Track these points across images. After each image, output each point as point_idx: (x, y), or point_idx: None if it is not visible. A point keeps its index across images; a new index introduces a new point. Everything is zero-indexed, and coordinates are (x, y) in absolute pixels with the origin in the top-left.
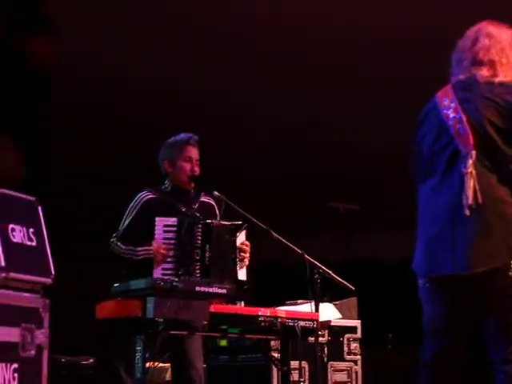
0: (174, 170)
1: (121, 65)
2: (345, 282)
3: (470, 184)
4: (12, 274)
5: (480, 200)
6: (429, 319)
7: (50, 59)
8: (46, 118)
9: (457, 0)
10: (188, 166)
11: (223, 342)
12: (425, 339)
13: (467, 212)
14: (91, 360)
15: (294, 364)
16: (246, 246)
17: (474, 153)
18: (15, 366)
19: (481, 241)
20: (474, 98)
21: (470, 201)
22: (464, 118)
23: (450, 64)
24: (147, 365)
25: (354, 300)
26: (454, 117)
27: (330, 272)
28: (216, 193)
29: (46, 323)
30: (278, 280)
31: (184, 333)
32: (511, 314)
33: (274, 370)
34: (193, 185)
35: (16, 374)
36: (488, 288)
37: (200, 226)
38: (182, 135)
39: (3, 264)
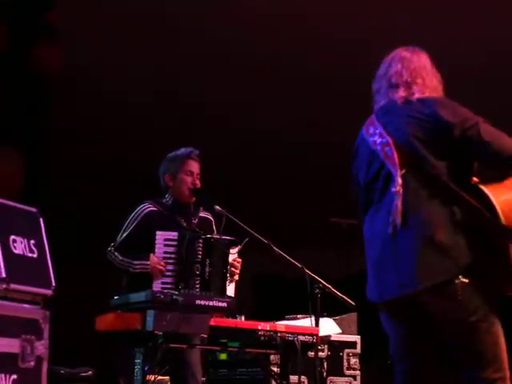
0: (174, 184)
1: (122, 70)
2: (345, 298)
3: (398, 203)
4: (13, 286)
5: (410, 217)
6: (392, 344)
7: (52, 67)
8: (45, 126)
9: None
10: (189, 180)
11: (223, 356)
12: (393, 362)
13: (390, 230)
14: (90, 372)
15: (294, 379)
16: (238, 262)
17: (401, 172)
18: (14, 376)
19: (418, 259)
20: (397, 119)
21: (395, 219)
22: (390, 140)
23: (371, 94)
24: (147, 377)
25: (354, 315)
26: (382, 141)
27: (331, 287)
28: (217, 207)
29: (45, 335)
30: (278, 294)
31: (184, 346)
32: (463, 334)
33: None
34: (194, 198)
35: None
36: (434, 307)
37: (201, 241)
38: (183, 149)
39: (4, 275)
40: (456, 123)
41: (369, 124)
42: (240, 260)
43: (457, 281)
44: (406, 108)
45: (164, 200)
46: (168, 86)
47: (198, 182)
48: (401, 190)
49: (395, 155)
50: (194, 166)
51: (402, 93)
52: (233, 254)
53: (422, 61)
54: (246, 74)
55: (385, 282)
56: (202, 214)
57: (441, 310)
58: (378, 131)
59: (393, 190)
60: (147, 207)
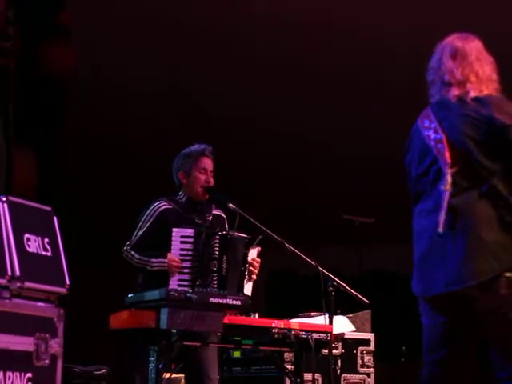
0: (188, 181)
1: (136, 72)
2: (359, 295)
3: (447, 202)
4: (27, 284)
5: (458, 217)
6: (426, 335)
7: (65, 68)
8: (59, 126)
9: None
10: (203, 177)
11: (237, 354)
12: (424, 353)
13: (440, 229)
14: (104, 370)
15: (308, 376)
16: (257, 262)
17: (451, 170)
18: (29, 375)
19: (467, 257)
20: (452, 116)
21: (445, 218)
22: (444, 138)
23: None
24: (161, 375)
25: (367, 313)
26: (435, 137)
27: (345, 284)
28: (231, 205)
29: (60, 333)
30: (292, 292)
31: (197, 344)
32: (503, 330)
33: (288, 382)
34: (207, 196)
35: (30, 383)
36: (480, 303)
37: (217, 237)
38: (197, 146)
39: (18, 273)
40: (510, 125)
41: (424, 116)
42: (259, 260)
43: (503, 277)
44: (460, 107)
45: (178, 197)
46: (183, 86)
47: (211, 179)
48: (450, 189)
49: (447, 153)
50: (208, 164)
51: (455, 92)
52: (252, 254)
53: (474, 52)
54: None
55: (431, 278)
56: (215, 212)
57: (485, 305)
58: (433, 126)
59: (442, 187)
60: (162, 205)
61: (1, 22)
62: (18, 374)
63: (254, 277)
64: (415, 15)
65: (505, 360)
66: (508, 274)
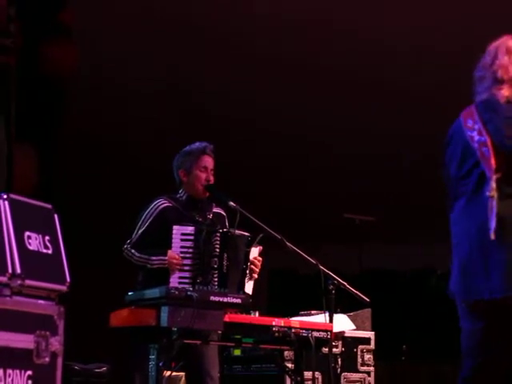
0: (189, 179)
1: (136, 72)
2: (359, 294)
3: (493, 208)
4: (27, 282)
5: (504, 224)
6: (465, 338)
7: (66, 66)
8: (60, 124)
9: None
10: (203, 176)
11: (237, 352)
12: (462, 356)
13: (492, 236)
14: (104, 368)
15: (308, 375)
16: (258, 261)
17: (496, 176)
18: (29, 372)
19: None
20: (497, 119)
21: (493, 225)
22: (488, 141)
23: (473, 81)
24: (161, 373)
25: (368, 311)
26: (479, 139)
27: (345, 283)
28: (231, 203)
29: (60, 330)
30: (292, 290)
31: (198, 342)
32: None
33: (288, 380)
34: (207, 194)
35: (30, 381)
36: None
37: (218, 234)
38: (198, 144)
39: (19, 271)
40: None
41: (468, 115)
42: (260, 259)
43: None
44: (507, 109)
45: (178, 195)
46: (184, 86)
47: (212, 177)
48: (496, 195)
49: (492, 158)
50: (209, 162)
51: (505, 92)
52: (254, 252)
53: None
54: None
55: (472, 283)
56: (215, 210)
57: None
58: (477, 127)
59: (487, 194)
60: (162, 203)
61: (2, 20)
62: (18, 371)
63: (255, 276)
64: (415, 15)
65: None
66: None
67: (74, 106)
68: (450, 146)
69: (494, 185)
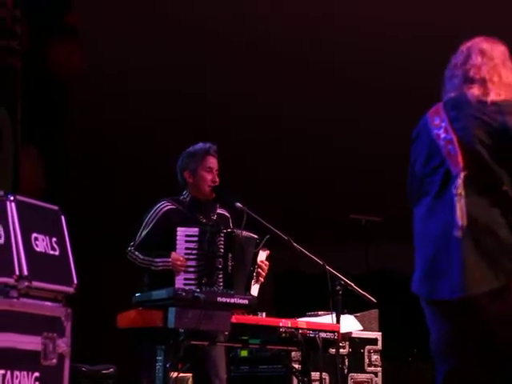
0: (194, 181)
1: (144, 75)
2: (366, 294)
3: (460, 206)
4: (35, 283)
5: (471, 222)
6: (434, 340)
7: (73, 69)
8: (67, 125)
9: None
10: (209, 176)
11: (244, 353)
12: (435, 360)
13: (459, 234)
14: (112, 369)
15: (315, 375)
16: (266, 265)
17: (463, 174)
18: (37, 374)
19: (475, 263)
20: (465, 117)
21: (460, 222)
22: (455, 139)
23: (442, 80)
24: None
25: (375, 312)
26: (445, 137)
27: (352, 283)
28: (239, 204)
29: (67, 332)
30: (299, 291)
31: (205, 343)
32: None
33: (295, 381)
34: (214, 195)
35: (37, 383)
36: (487, 312)
37: (222, 235)
38: (201, 145)
39: (26, 273)
40: None
41: (434, 113)
42: (267, 263)
43: (511, 285)
44: (477, 108)
45: (181, 197)
46: (192, 86)
47: (217, 178)
48: (462, 193)
49: (459, 156)
50: (213, 163)
51: (476, 90)
52: (261, 256)
53: (501, 56)
54: (271, 74)
55: (436, 282)
56: (219, 211)
57: (493, 313)
58: (443, 125)
59: (454, 191)
60: (165, 205)
61: (8, 21)
62: (25, 373)
63: (262, 279)
64: (417, 15)
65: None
66: None
67: (81, 106)
68: (416, 143)
69: (460, 182)
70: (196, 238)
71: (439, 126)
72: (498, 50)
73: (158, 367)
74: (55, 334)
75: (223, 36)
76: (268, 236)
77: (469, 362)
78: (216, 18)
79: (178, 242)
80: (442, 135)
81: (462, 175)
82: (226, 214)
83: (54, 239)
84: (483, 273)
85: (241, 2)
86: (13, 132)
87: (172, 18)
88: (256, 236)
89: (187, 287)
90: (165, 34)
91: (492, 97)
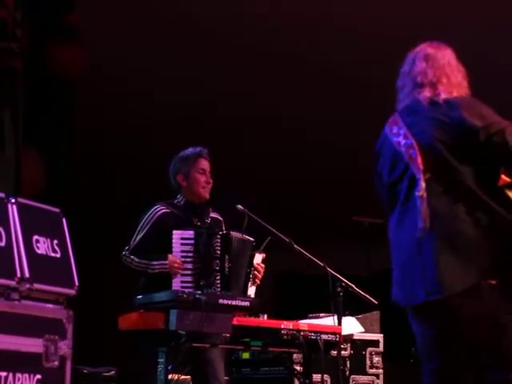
0: (188, 183)
1: (145, 71)
2: (368, 296)
3: (424, 207)
4: (36, 285)
5: (437, 222)
6: (419, 343)
7: (76, 70)
8: (69, 127)
9: None
10: (203, 178)
11: (246, 355)
12: (421, 362)
13: (421, 235)
14: (113, 371)
15: (317, 377)
16: (262, 267)
17: (424, 176)
18: (38, 376)
19: (446, 264)
20: (421, 121)
21: (422, 224)
22: (414, 143)
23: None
24: (169, 377)
25: (376, 314)
26: (406, 143)
27: (353, 285)
28: (239, 206)
29: (69, 334)
30: (300, 293)
31: (206, 345)
32: (492, 336)
33: (297, 383)
34: (208, 197)
35: None
36: (463, 311)
37: (218, 236)
38: (192, 149)
39: (27, 275)
40: (481, 128)
41: (392, 123)
42: (263, 266)
43: (485, 284)
44: (431, 110)
45: (176, 201)
46: (190, 86)
47: (210, 179)
48: (424, 195)
49: (419, 159)
50: (206, 165)
51: (427, 93)
52: (257, 259)
53: (446, 57)
54: (270, 74)
55: (411, 287)
56: (212, 215)
57: (469, 312)
58: (402, 132)
59: (416, 194)
60: (160, 209)
61: (9, 23)
62: (27, 375)
63: (258, 281)
64: (416, 15)
65: (499, 364)
66: (490, 281)
67: (83, 107)
68: (380, 156)
69: (423, 184)
70: (192, 241)
71: (398, 133)
72: (441, 53)
73: (159, 369)
74: (57, 337)
75: (222, 36)
76: (269, 238)
77: (451, 361)
78: (214, 18)
79: (173, 245)
80: (403, 142)
81: (423, 177)
82: (219, 218)
83: (55, 241)
84: (455, 273)
85: (239, 2)
86: (14, 134)
87: (170, 18)
88: (252, 239)
89: (184, 290)
90: (163, 34)
91: (443, 96)
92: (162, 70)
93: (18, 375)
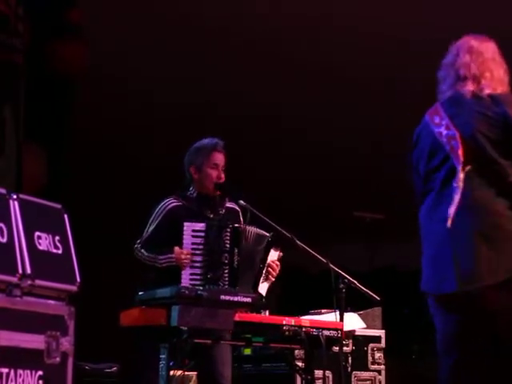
0: (199, 176)
1: (143, 75)
2: (370, 292)
3: (458, 199)
4: (38, 282)
5: (476, 215)
6: (440, 336)
7: (77, 67)
8: (69, 123)
9: None
10: (214, 173)
11: (247, 351)
12: (439, 356)
13: (449, 225)
14: (115, 368)
15: (318, 373)
16: (276, 265)
17: (465, 168)
18: (40, 373)
19: (482, 256)
20: (465, 113)
21: (452, 216)
22: (457, 134)
23: (436, 82)
24: (171, 373)
25: (378, 310)
26: (447, 133)
27: (355, 281)
28: (242, 201)
29: (71, 330)
30: (302, 289)
31: (208, 341)
32: None
33: (298, 379)
34: (218, 192)
35: (41, 381)
36: (494, 303)
37: (228, 229)
38: (208, 140)
39: (29, 271)
40: None
41: (433, 113)
42: (279, 264)
43: None
44: (475, 103)
45: (188, 193)
46: (193, 86)
47: (222, 175)
48: (462, 186)
49: (461, 150)
50: (219, 158)
51: (470, 87)
52: (273, 256)
53: (490, 52)
54: (270, 74)
55: (442, 276)
56: (228, 205)
57: (501, 306)
58: (444, 122)
59: (454, 185)
60: (171, 202)
61: (11, 19)
62: (28, 371)
63: (272, 279)
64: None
65: None
66: None
67: (84, 104)
68: (417, 145)
69: (461, 176)
70: (203, 234)
71: (440, 124)
72: (485, 46)
73: (161, 365)
74: (58, 333)
75: (222, 36)
76: (272, 233)
77: (474, 355)
78: (214, 18)
79: (184, 236)
80: (444, 132)
81: (464, 169)
82: (236, 208)
83: (57, 238)
84: (490, 265)
85: (239, 2)
86: (15, 130)
87: (170, 18)
88: (268, 234)
89: (193, 282)
90: (163, 34)
91: (487, 91)
92: (162, 70)
93: (20, 371)
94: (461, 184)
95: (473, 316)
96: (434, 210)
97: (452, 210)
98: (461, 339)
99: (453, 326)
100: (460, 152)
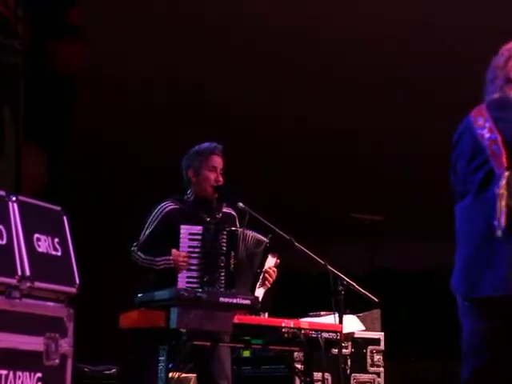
0: (197, 180)
1: (142, 75)
2: (368, 294)
3: (502, 205)
4: (37, 284)
5: (509, 222)
6: (468, 337)
7: (77, 67)
8: (69, 124)
9: None
10: (212, 176)
11: (246, 353)
12: (464, 356)
13: (499, 233)
14: (114, 369)
15: (317, 375)
16: (273, 271)
17: (506, 173)
18: (39, 374)
19: None
20: (510, 117)
21: (502, 223)
22: (499, 138)
23: (483, 82)
24: (170, 375)
25: (377, 312)
26: (490, 137)
27: (354, 283)
28: (241, 204)
29: (70, 332)
30: (301, 291)
31: (207, 343)
32: None
33: (297, 381)
34: (216, 195)
35: (40, 383)
36: None
37: (225, 233)
38: (207, 144)
39: (28, 273)
40: None
41: (477, 114)
42: (276, 270)
43: None
44: None
45: (185, 196)
46: (193, 85)
47: (221, 178)
48: (505, 193)
49: (503, 155)
50: (218, 162)
51: None
52: (270, 262)
53: None
54: (270, 74)
55: (476, 280)
56: (225, 210)
57: None
58: (487, 125)
59: (496, 191)
60: (168, 205)
61: (10, 21)
62: (27, 373)
63: (268, 285)
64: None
65: None
66: None
67: (84, 105)
68: (458, 144)
69: (504, 182)
70: (200, 237)
71: (483, 126)
72: None
73: (160, 367)
74: (57, 335)
75: (221, 36)
76: (270, 236)
77: (501, 360)
78: (214, 18)
79: (181, 240)
80: (487, 135)
81: (505, 175)
82: (233, 213)
83: (56, 240)
84: None
85: (239, 2)
86: (15, 131)
87: (170, 18)
88: (266, 239)
89: (190, 285)
90: (163, 34)
91: None
92: (162, 70)
93: (19, 373)
94: (503, 190)
95: (504, 322)
96: (472, 213)
97: (499, 218)
98: (490, 343)
99: (483, 330)
100: (503, 157)
